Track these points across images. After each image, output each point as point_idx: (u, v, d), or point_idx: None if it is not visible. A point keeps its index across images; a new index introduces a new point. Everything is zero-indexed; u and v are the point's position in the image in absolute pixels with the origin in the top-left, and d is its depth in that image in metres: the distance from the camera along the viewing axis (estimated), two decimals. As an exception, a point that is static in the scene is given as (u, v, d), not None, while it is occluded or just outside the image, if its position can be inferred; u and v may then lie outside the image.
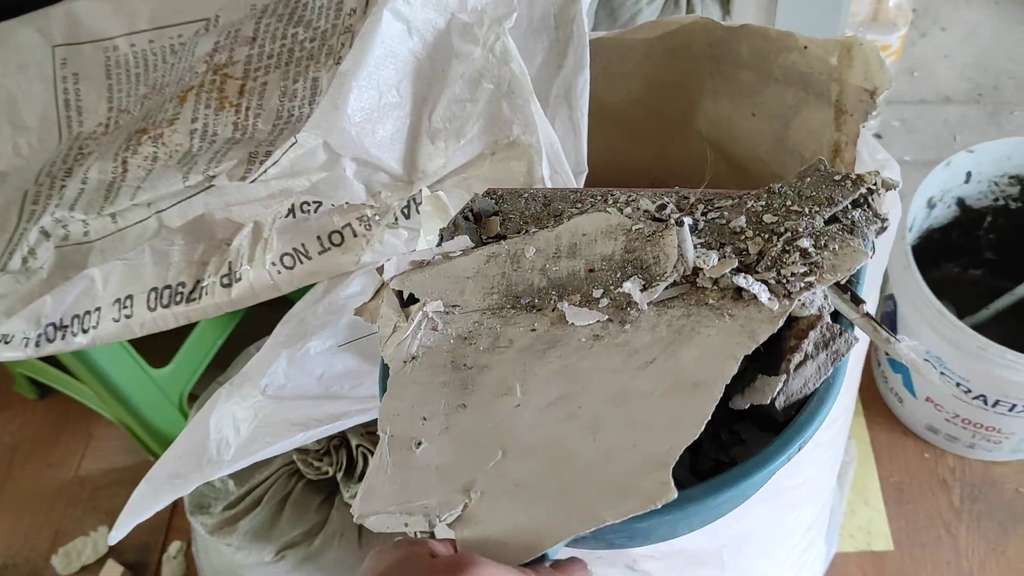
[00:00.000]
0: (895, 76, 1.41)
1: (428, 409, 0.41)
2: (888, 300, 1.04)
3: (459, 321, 0.45)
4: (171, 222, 0.78)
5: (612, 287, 0.43)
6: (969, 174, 1.04)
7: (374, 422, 0.89)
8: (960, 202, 1.08)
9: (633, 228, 0.47)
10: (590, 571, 0.38)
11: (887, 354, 1.07)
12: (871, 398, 1.14)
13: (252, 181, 0.71)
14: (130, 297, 0.74)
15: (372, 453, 0.91)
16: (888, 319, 1.05)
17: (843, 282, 0.42)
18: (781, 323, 0.39)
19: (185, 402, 1.20)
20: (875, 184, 0.46)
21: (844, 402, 0.69)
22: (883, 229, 0.46)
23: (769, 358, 0.40)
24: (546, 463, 0.37)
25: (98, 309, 0.75)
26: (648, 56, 0.77)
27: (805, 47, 0.66)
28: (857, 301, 0.42)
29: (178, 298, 0.72)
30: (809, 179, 0.48)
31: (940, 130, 1.36)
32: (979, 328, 0.95)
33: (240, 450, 0.60)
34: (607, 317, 0.42)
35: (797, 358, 0.39)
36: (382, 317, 0.47)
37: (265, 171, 0.70)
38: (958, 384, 0.96)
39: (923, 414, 1.06)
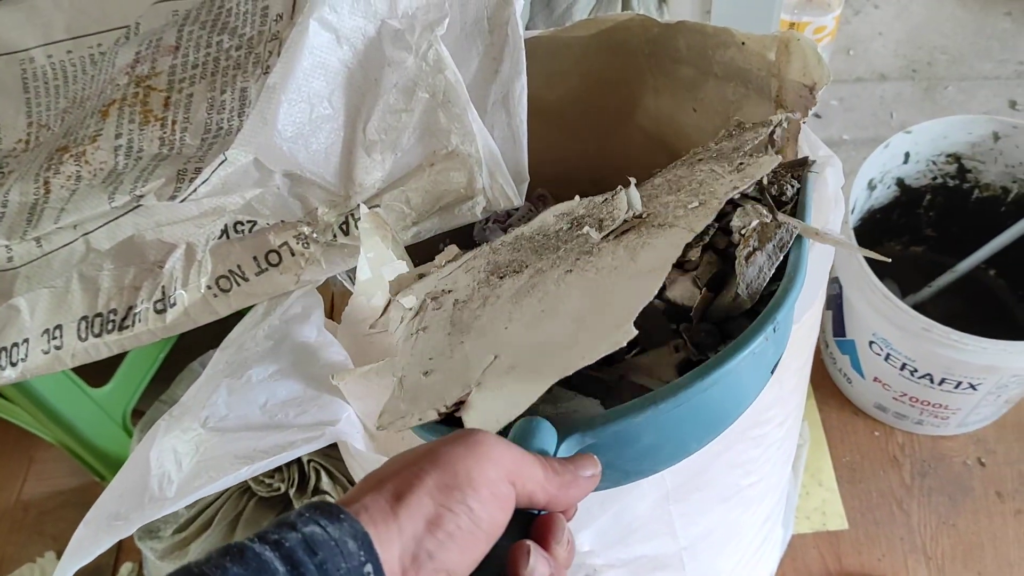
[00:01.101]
0: (831, 55, 1.42)
1: (434, 352, 0.49)
2: (834, 283, 1.04)
3: (454, 297, 0.53)
4: (99, 244, 0.74)
5: (577, 237, 0.53)
6: (907, 154, 1.04)
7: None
8: (900, 182, 1.08)
9: (591, 202, 0.57)
10: (599, 470, 0.39)
11: (835, 336, 1.09)
12: (821, 380, 1.15)
13: (182, 200, 0.68)
14: (59, 327, 0.71)
15: (324, 468, 0.89)
16: (834, 302, 1.05)
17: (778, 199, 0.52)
18: (714, 215, 0.47)
19: (128, 420, 1.17)
20: (781, 121, 0.59)
21: (795, 400, 0.69)
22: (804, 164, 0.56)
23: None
24: (532, 350, 0.43)
25: (26, 341, 0.72)
26: (585, 54, 0.76)
27: (743, 43, 0.65)
28: (780, 206, 0.51)
29: (110, 326, 0.69)
30: (724, 139, 0.60)
31: (877, 107, 1.37)
32: (921, 305, 0.96)
33: (183, 486, 0.58)
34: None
35: (746, 251, 0.47)
36: (391, 319, 0.57)
37: (195, 190, 0.67)
38: (904, 365, 0.97)
39: (871, 393, 1.07)
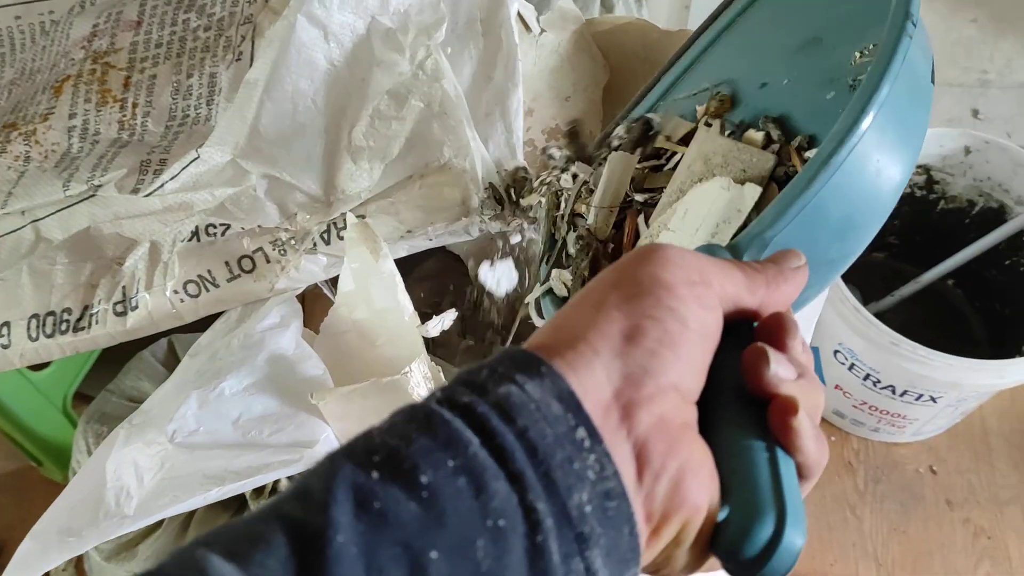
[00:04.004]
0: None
1: None
2: (801, 289, 1.04)
3: None
4: (51, 234, 0.69)
5: None
6: (879, 164, 1.04)
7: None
8: (869, 190, 1.09)
9: None
10: (804, 260, 0.32)
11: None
12: (780, 382, 1.16)
13: (146, 195, 0.64)
14: (6, 324, 0.66)
15: (284, 469, 0.86)
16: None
17: None
18: None
19: (69, 404, 1.11)
20: None
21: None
22: None
23: None
24: None
25: (-32, 337, 0.67)
26: (578, 56, 0.73)
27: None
28: None
29: (64, 327, 0.65)
30: None
31: (843, 108, 1.37)
32: (883, 314, 0.97)
33: (144, 504, 0.55)
34: None
35: None
36: None
37: (162, 186, 0.63)
38: (868, 375, 0.97)
39: (832, 400, 1.08)
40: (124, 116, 0.72)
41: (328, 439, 0.56)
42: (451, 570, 0.22)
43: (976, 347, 1.13)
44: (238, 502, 0.90)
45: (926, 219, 1.12)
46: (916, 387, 0.95)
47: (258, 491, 0.87)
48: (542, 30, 0.68)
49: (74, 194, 0.67)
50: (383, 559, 0.22)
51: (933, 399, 0.96)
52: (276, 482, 0.87)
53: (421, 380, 0.55)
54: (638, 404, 0.26)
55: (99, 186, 0.66)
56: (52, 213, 0.69)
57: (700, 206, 0.41)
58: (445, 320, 0.55)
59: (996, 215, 1.06)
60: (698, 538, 0.28)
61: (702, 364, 0.29)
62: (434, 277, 0.69)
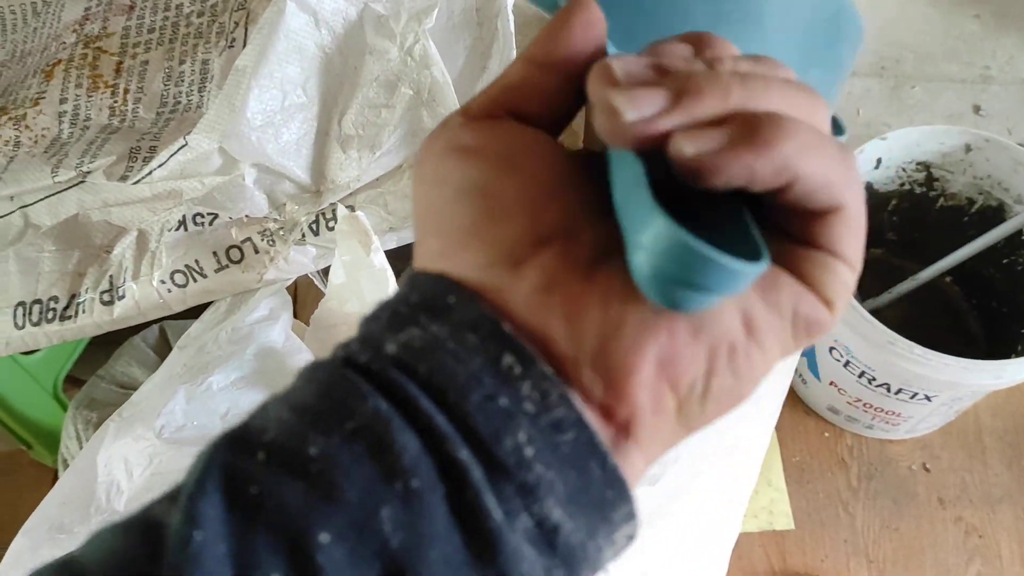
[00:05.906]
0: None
1: None
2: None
3: None
4: (39, 220, 0.69)
5: None
6: (879, 160, 1.04)
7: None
8: (868, 186, 1.08)
9: None
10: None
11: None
12: (775, 378, 1.15)
13: (135, 182, 0.63)
14: (-7, 311, 0.66)
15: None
16: (796, 303, 1.05)
17: None
18: None
19: (60, 388, 1.11)
20: None
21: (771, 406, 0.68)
22: None
23: None
24: None
25: (-46, 324, 0.66)
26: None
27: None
28: None
29: (50, 315, 0.64)
30: None
31: (844, 103, 1.36)
32: (879, 311, 0.96)
33: (134, 500, 0.54)
34: None
35: None
36: None
37: (150, 173, 0.62)
38: (863, 373, 0.97)
39: (826, 396, 1.07)
40: (115, 102, 0.71)
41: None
42: (347, 552, 0.19)
43: (973, 344, 1.12)
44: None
45: (925, 216, 1.11)
46: (911, 386, 0.94)
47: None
48: None
49: (63, 180, 0.66)
50: (258, 553, 0.19)
51: (928, 397, 0.95)
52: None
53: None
54: (510, 283, 0.21)
55: (88, 172, 0.65)
56: (41, 199, 0.69)
57: None
58: (435, 314, 0.55)
59: (995, 213, 1.06)
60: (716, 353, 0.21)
61: (548, 185, 0.22)
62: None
